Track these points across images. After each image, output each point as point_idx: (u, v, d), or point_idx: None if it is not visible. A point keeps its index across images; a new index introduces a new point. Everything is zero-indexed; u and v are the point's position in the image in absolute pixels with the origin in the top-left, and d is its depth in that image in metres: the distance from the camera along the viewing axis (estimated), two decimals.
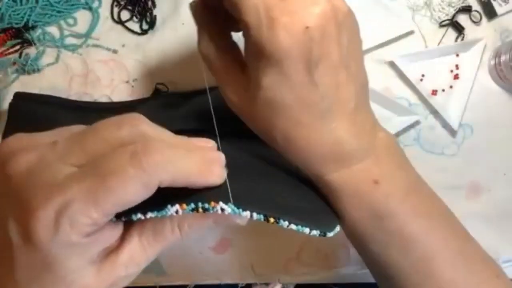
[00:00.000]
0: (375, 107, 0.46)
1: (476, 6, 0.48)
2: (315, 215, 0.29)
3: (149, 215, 0.24)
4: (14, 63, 0.45)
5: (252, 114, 0.29)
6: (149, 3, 0.46)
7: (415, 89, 0.46)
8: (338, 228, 0.29)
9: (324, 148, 0.28)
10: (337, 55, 0.27)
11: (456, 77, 0.47)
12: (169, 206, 0.24)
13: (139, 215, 0.24)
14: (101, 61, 0.45)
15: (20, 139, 0.24)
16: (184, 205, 0.24)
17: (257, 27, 0.26)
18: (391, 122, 0.46)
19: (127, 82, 0.45)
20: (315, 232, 0.27)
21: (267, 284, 0.46)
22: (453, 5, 0.48)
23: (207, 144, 0.27)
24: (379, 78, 0.46)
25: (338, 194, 0.30)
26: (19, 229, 0.21)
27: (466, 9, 0.48)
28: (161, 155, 0.22)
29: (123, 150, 0.22)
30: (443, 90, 0.47)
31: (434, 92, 0.46)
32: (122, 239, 0.25)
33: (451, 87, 0.47)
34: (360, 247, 0.32)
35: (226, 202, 0.24)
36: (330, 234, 0.28)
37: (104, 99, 0.44)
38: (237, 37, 0.32)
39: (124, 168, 0.21)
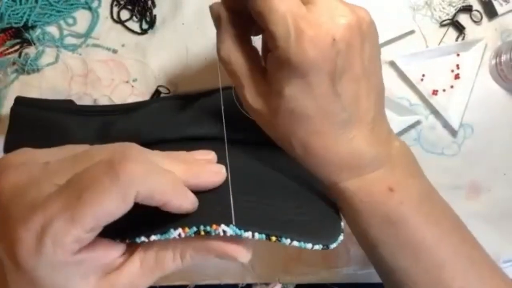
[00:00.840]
0: None
1: (476, 6, 0.48)
2: (318, 227, 0.29)
3: (153, 238, 0.24)
4: (14, 63, 0.44)
5: (271, 120, 0.30)
6: (149, 2, 0.46)
7: (416, 89, 0.46)
8: (341, 237, 0.29)
9: (342, 157, 0.29)
10: (360, 67, 0.27)
11: (456, 77, 0.47)
12: (171, 229, 0.24)
13: (143, 238, 0.24)
14: (100, 61, 0.45)
15: (21, 155, 0.25)
16: (187, 228, 0.24)
17: (284, 39, 0.26)
18: (393, 122, 0.45)
19: (127, 82, 0.45)
20: (317, 247, 0.27)
21: (267, 284, 0.46)
22: (453, 4, 0.48)
23: (207, 156, 0.28)
24: None
25: (352, 200, 0.30)
26: (5, 249, 0.21)
27: (467, 9, 0.48)
28: (137, 166, 0.21)
29: (100, 162, 0.22)
30: (444, 90, 0.46)
31: (435, 92, 0.46)
32: (124, 262, 0.25)
33: (451, 87, 0.47)
34: (370, 251, 0.32)
35: (228, 224, 0.24)
36: (332, 246, 0.28)
37: (104, 99, 0.44)
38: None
39: (99, 180, 0.21)
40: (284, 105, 0.28)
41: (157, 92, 0.44)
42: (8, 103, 0.44)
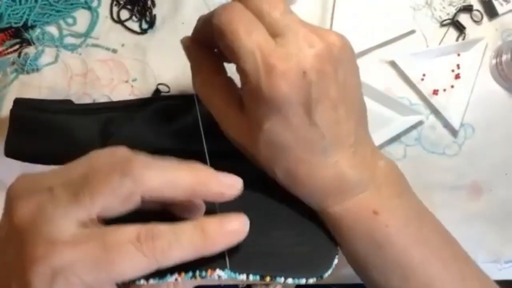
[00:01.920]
0: (378, 107, 0.46)
1: (477, 6, 0.48)
2: (316, 258, 0.30)
3: (151, 281, 0.25)
4: (13, 63, 0.44)
5: (253, 151, 0.29)
6: (149, 2, 0.46)
7: (416, 89, 0.46)
8: (335, 262, 0.30)
9: (326, 183, 0.29)
10: (335, 92, 0.27)
11: (457, 76, 0.47)
12: (169, 274, 0.25)
13: (142, 281, 0.25)
14: (100, 60, 0.45)
15: (23, 182, 0.25)
16: (183, 274, 0.26)
17: (255, 74, 0.26)
18: (394, 122, 0.45)
19: (126, 81, 0.45)
20: (311, 280, 0.28)
21: (267, 284, 0.46)
22: (454, 4, 0.48)
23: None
24: (380, 77, 0.46)
25: (339, 224, 0.30)
26: (18, 280, 0.22)
27: (467, 9, 0.48)
28: (163, 241, 0.23)
29: (128, 229, 0.22)
30: (444, 90, 0.46)
31: (435, 92, 0.46)
32: None
33: (452, 86, 0.46)
34: (361, 273, 0.32)
35: (223, 268, 0.26)
36: (327, 274, 0.29)
37: (103, 99, 0.44)
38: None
39: (127, 246, 0.22)
40: (263, 137, 0.28)
41: (157, 91, 0.44)
42: (8, 103, 0.44)
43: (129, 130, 0.39)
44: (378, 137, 0.45)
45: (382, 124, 0.46)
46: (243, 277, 0.26)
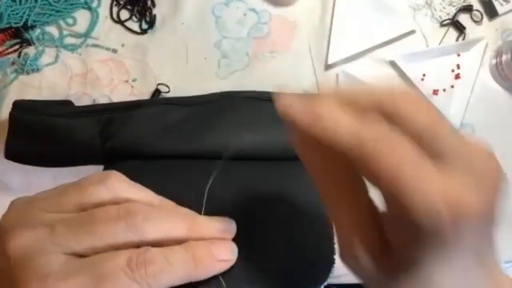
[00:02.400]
0: None
1: (477, 6, 0.48)
2: (307, 272, 0.30)
3: None
4: (13, 63, 0.44)
5: (381, 283, 0.23)
6: (149, 2, 0.46)
7: (416, 89, 0.46)
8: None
9: None
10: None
11: (457, 76, 0.47)
12: None
13: None
14: (100, 60, 0.45)
15: (18, 211, 0.25)
16: None
17: (433, 221, 0.20)
18: None
19: (126, 81, 0.45)
20: None
21: None
22: (454, 4, 0.48)
23: (226, 227, 0.28)
24: (379, 77, 0.46)
25: None
26: None
27: (467, 9, 0.48)
28: (155, 265, 0.23)
29: (119, 254, 0.23)
30: (444, 90, 0.46)
31: (435, 92, 0.46)
32: None
33: (452, 86, 0.46)
34: None
35: None
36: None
37: (103, 99, 0.44)
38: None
39: (118, 274, 0.22)
40: (412, 280, 0.22)
41: (157, 91, 0.44)
42: (8, 103, 0.44)
43: (128, 131, 0.39)
44: None
45: None
46: None
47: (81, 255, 0.23)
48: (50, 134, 0.38)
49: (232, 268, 0.26)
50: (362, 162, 0.20)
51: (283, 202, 0.35)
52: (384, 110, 0.21)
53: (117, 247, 0.23)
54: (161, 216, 0.25)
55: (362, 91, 0.22)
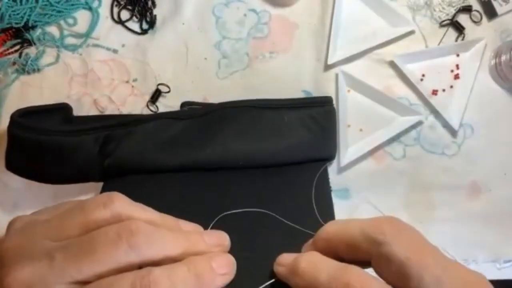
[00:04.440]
0: (378, 107, 0.46)
1: (476, 6, 0.48)
2: None
3: None
4: (14, 63, 0.45)
5: None
6: (149, 2, 0.46)
7: (416, 89, 0.46)
8: None
9: None
10: None
11: (456, 77, 0.47)
12: None
13: None
14: (101, 61, 0.45)
15: (18, 240, 0.24)
16: None
17: None
18: (394, 122, 0.46)
19: (127, 82, 0.45)
20: None
21: None
22: (453, 5, 0.48)
23: (221, 241, 0.28)
24: (379, 78, 0.46)
25: None
26: None
27: (467, 9, 0.48)
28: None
29: (123, 278, 0.22)
30: (444, 90, 0.47)
31: (435, 92, 0.46)
32: None
33: (451, 87, 0.47)
34: None
35: None
36: None
37: (104, 99, 0.44)
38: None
39: None
40: None
41: (157, 91, 0.44)
42: (9, 103, 0.44)
43: (128, 145, 0.39)
44: (377, 137, 0.45)
45: (382, 124, 0.46)
46: None
47: (84, 282, 0.23)
48: (49, 153, 0.38)
49: (232, 281, 0.27)
50: None
51: (279, 206, 0.35)
52: (365, 247, 0.23)
53: (120, 270, 0.23)
54: (163, 235, 0.25)
55: (348, 230, 0.25)
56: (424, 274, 0.21)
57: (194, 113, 0.41)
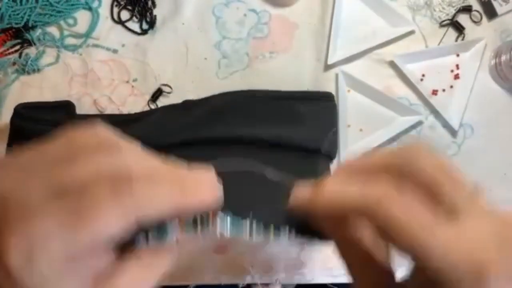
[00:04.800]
0: (378, 107, 0.46)
1: (476, 6, 0.48)
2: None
3: (151, 242, 0.24)
4: (14, 63, 0.44)
5: None
6: (149, 3, 0.46)
7: (416, 89, 0.46)
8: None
9: None
10: None
11: (456, 77, 0.47)
12: (168, 230, 0.24)
13: (141, 242, 0.24)
14: (101, 61, 0.45)
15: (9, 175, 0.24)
16: (184, 225, 0.24)
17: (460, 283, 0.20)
18: (394, 122, 0.46)
19: (127, 82, 0.45)
20: (316, 242, 0.27)
21: (267, 284, 0.46)
22: (453, 5, 0.48)
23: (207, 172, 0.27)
24: (379, 78, 0.46)
25: None
26: None
27: (467, 9, 0.48)
28: (142, 191, 0.21)
29: (104, 182, 0.21)
30: (444, 90, 0.47)
31: (435, 92, 0.46)
32: (119, 261, 0.24)
33: (451, 87, 0.47)
34: None
35: (225, 213, 0.25)
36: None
37: (104, 99, 0.44)
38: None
39: (103, 201, 0.21)
40: None
41: (159, 91, 0.44)
42: (9, 103, 0.44)
43: (136, 130, 0.39)
44: (377, 137, 0.45)
45: (382, 124, 0.46)
46: (246, 224, 0.25)
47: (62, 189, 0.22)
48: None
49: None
50: (375, 222, 0.20)
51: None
52: (393, 168, 0.22)
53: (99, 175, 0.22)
54: (144, 154, 0.24)
55: (372, 156, 0.23)
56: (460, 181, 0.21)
57: (195, 102, 0.41)
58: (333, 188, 0.22)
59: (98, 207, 0.21)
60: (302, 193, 0.24)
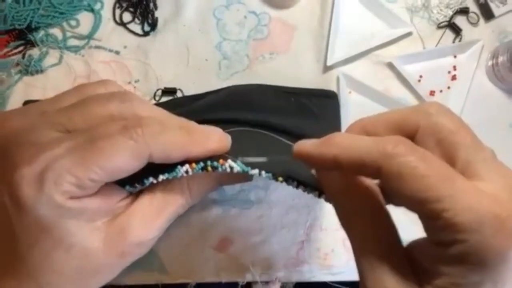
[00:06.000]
0: (377, 107, 0.46)
1: (473, 8, 0.49)
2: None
3: (161, 177, 0.24)
4: (17, 64, 0.45)
5: None
6: (151, 4, 0.47)
7: (413, 90, 0.47)
8: None
9: None
10: None
11: (453, 78, 0.47)
12: (179, 166, 0.24)
13: (151, 179, 0.24)
14: (103, 62, 0.46)
15: (16, 110, 0.25)
16: (194, 164, 0.24)
17: (476, 232, 0.18)
18: None
19: (129, 83, 0.46)
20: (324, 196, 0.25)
21: (267, 282, 0.46)
22: (451, 6, 0.48)
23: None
24: (378, 79, 0.47)
25: None
26: (7, 189, 0.21)
27: (464, 11, 0.48)
28: (153, 130, 0.22)
29: (114, 122, 0.22)
30: (441, 91, 0.47)
31: (432, 93, 0.47)
32: (132, 203, 0.25)
33: (448, 88, 0.47)
34: None
35: (234, 160, 0.25)
36: None
37: None
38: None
39: (114, 135, 0.21)
40: None
41: (168, 91, 0.45)
42: (12, 104, 0.44)
43: None
44: None
45: None
46: (255, 171, 0.24)
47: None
48: None
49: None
50: (388, 173, 0.19)
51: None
52: (411, 123, 0.21)
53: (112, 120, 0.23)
54: (154, 107, 0.25)
55: (387, 113, 0.22)
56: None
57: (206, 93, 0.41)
58: (345, 138, 0.20)
59: (109, 139, 0.21)
60: (310, 142, 0.22)
